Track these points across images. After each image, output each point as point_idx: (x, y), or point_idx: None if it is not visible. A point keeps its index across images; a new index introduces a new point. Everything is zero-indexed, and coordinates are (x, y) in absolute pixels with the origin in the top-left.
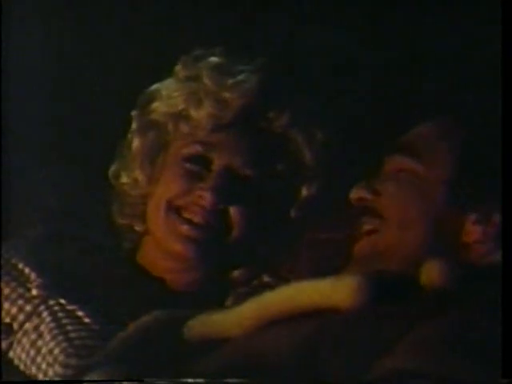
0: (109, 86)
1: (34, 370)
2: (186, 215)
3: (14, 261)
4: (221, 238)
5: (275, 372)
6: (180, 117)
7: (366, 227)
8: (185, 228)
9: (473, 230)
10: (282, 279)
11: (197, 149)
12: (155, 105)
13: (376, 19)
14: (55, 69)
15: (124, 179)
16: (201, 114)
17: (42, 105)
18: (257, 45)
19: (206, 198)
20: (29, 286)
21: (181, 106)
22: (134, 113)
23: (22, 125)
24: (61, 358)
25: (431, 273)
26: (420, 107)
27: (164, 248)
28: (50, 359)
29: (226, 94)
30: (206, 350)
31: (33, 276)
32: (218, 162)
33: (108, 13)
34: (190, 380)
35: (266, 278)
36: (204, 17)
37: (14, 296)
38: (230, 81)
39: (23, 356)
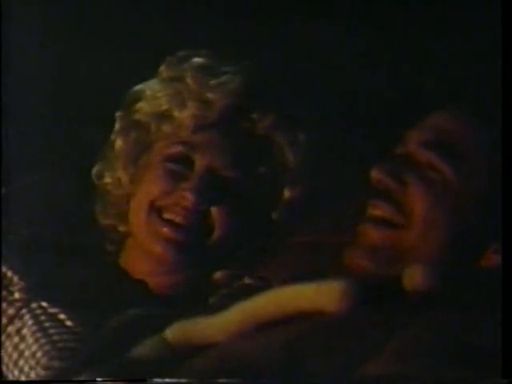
0: (98, 86)
1: (16, 372)
2: (168, 216)
3: None
4: (202, 240)
5: (260, 376)
6: (163, 117)
7: (377, 212)
8: (166, 230)
9: (492, 258)
10: (264, 281)
11: (179, 149)
12: (139, 105)
13: (366, 19)
14: (40, 70)
15: (107, 179)
16: (184, 114)
17: (39, 113)
18: (242, 46)
19: (188, 198)
20: (11, 289)
21: (164, 107)
22: (117, 113)
23: (7, 130)
24: (43, 360)
25: (414, 276)
26: (405, 111)
27: (145, 249)
28: (32, 362)
29: (210, 95)
30: (190, 356)
31: (15, 279)
32: (201, 162)
33: (94, 13)
34: (194, 380)
35: (247, 280)
36: (190, 17)
37: None
38: (214, 81)
39: (6, 359)
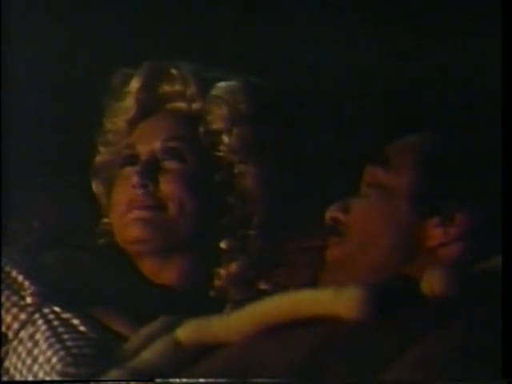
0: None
1: (30, 378)
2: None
3: (7, 269)
4: (163, 214)
5: (272, 379)
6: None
7: (334, 242)
8: (132, 214)
9: (435, 234)
10: (280, 286)
11: (125, 152)
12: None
13: (368, 29)
14: (55, 77)
15: (94, 189)
16: (114, 123)
17: (40, 114)
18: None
19: (134, 180)
20: (23, 293)
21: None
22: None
23: (19, 133)
24: (59, 366)
25: (432, 282)
26: (406, 120)
27: (123, 241)
28: (47, 368)
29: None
30: (202, 355)
31: (27, 284)
32: (143, 149)
33: (112, 15)
34: (202, 380)
35: (262, 286)
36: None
37: (8, 304)
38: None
39: (19, 365)
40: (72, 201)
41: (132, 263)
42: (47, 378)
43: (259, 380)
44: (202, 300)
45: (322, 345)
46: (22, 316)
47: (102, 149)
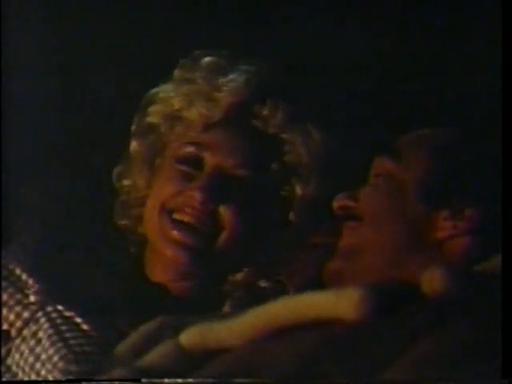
0: (111, 89)
1: (33, 376)
2: (177, 217)
3: (11, 266)
4: (212, 241)
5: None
6: (174, 118)
7: (347, 229)
8: (175, 232)
9: (444, 226)
10: (279, 284)
11: (189, 149)
12: (152, 108)
13: (375, 21)
14: (55, 74)
15: (125, 181)
16: (192, 113)
17: (43, 112)
18: (254, 44)
19: (196, 197)
20: (26, 292)
21: (175, 107)
22: (135, 116)
23: (22, 131)
24: (60, 364)
25: (432, 281)
26: (419, 111)
27: (158, 252)
28: (49, 366)
29: (217, 94)
30: (206, 360)
31: (30, 282)
32: (210, 161)
33: (109, 15)
34: (190, 380)
35: (262, 283)
36: (204, 18)
37: (11, 302)
38: (222, 80)
39: (22, 362)
40: (79, 200)
41: (135, 262)
42: (49, 376)
43: (261, 380)
44: (201, 298)
45: (323, 347)
46: (26, 314)
47: (151, 136)
